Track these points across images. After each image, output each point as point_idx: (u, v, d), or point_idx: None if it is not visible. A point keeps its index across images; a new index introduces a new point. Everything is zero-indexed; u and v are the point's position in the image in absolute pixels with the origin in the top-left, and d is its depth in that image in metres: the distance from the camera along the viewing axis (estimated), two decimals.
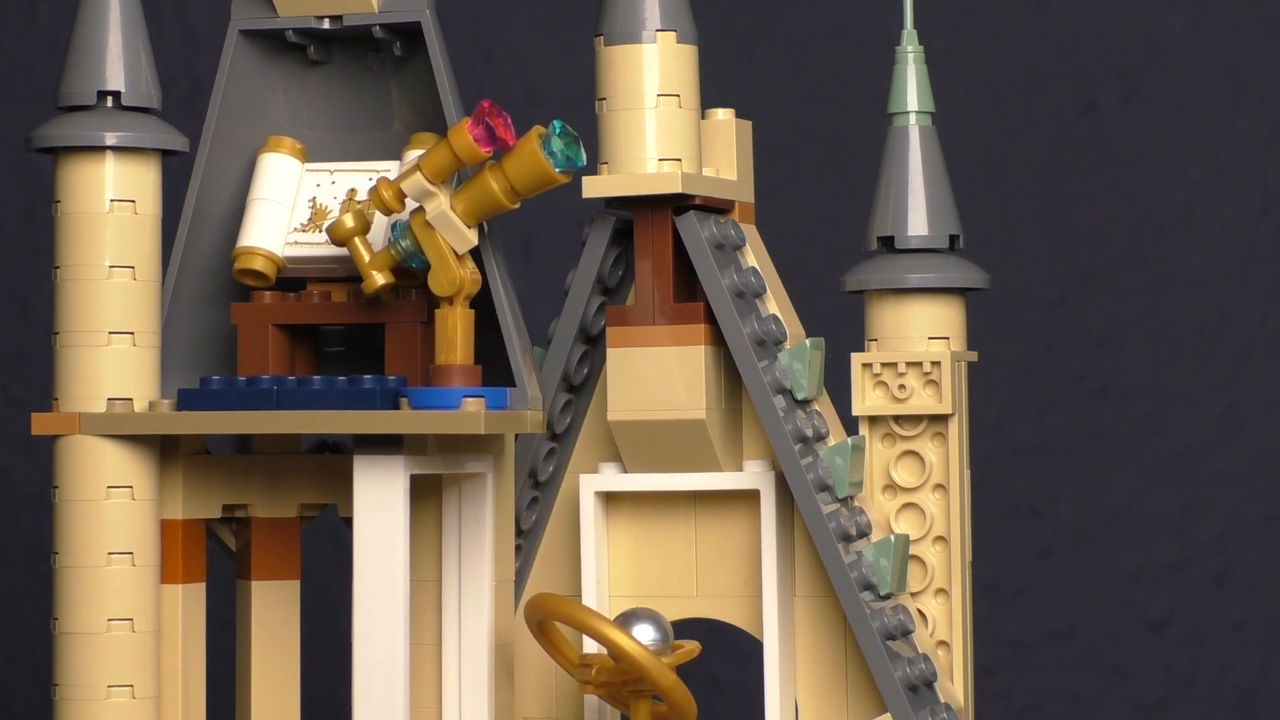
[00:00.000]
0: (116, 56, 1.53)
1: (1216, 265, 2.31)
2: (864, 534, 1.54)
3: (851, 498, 1.54)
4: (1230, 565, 2.30)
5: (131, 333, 1.52)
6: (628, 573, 1.59)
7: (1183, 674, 2.30)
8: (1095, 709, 2.31)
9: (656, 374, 1.54)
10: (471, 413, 1.45)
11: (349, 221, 1.51)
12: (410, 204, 1.49)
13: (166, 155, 1.54)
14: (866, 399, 1.58)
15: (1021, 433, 2.29)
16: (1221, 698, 2.30)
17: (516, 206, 1.49)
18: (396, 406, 1.46)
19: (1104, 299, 2.32)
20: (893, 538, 1.54)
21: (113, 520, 1.50)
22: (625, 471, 1.58)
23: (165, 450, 1.53)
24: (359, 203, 1.52)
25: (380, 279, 1.51)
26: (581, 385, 1.60)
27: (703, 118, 1.57)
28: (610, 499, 1.59)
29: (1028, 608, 2.28)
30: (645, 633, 1.49)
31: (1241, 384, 2.30)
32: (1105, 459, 2.31)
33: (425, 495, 1.52)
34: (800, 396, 1.54)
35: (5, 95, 2.45)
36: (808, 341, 1.55)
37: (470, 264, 1.49)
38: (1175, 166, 2.32)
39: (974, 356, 1.60)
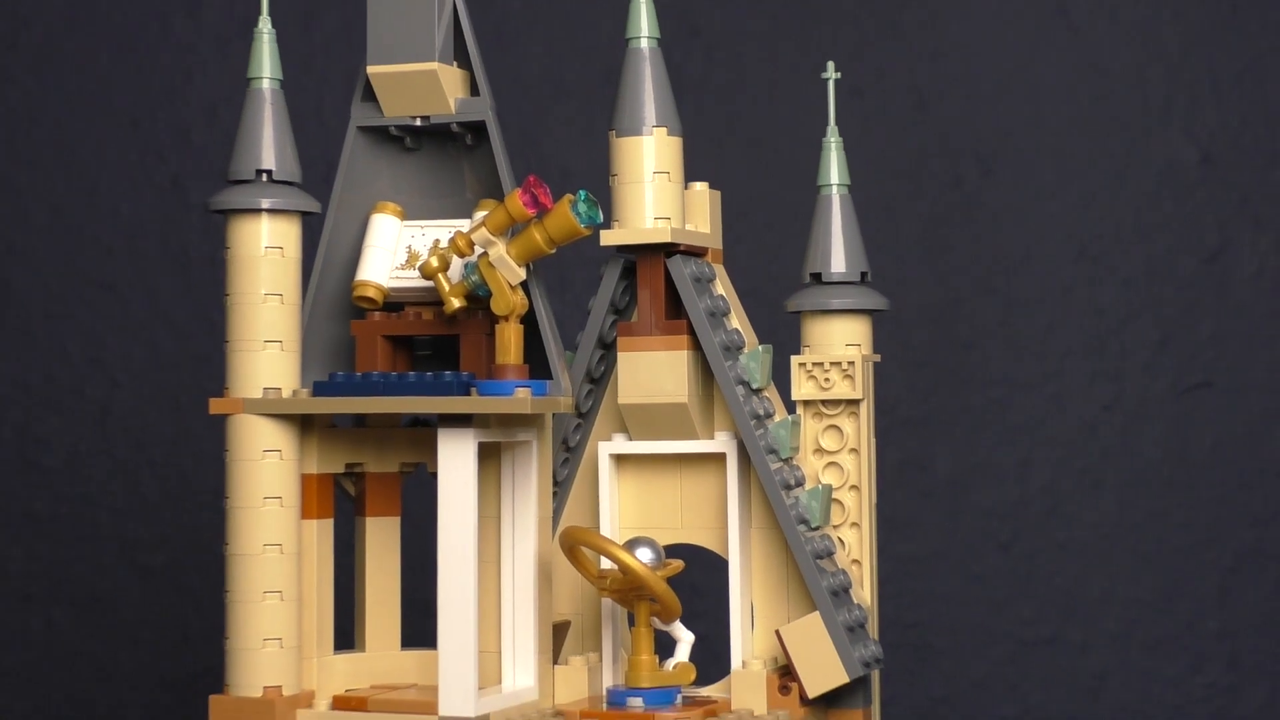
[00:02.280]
0: (270, 145, 1.52)
1: (1047, 293, 2.30)
2: (800, 484, 1.53)
3: (791, 458, 1.54)
4: (1056, 503, 2.29)
5: (280, 341, 1.51)
6: (632, 511, 1.59)
7: (1022, 580, 2.30)
8: (961, 605, 2.31)
9: (652, 370, 1.53)
10: (521, 398, 1.45)
11: (434, 262, 1.50)
12: (478, 249, 1.49)
13: (305, 215, 1.53)
14: (801, 388, 1.57)
15: (910, 411, 2.28)
16: (1050, 598, 2.29)
17: (553, 252, 1.49)
18: (468, 393, 1.45)
19: (969, 316, 2.31)
20: (820, 486, 1.53)
21: (267, 474, 1.50)
22: (631, 439, 1.57)
23: (304, 424, 1.53)
24: (441, 249, 1.51)
25: (457, 303, 1.51)
26: (600, 378, 1.59)
27: (685, 188, 1.56)
28: (620, 459, 1.58)
29: (915, 535, 2.28)
30: (644, 554, 1.48)
31: (1064, 377, 2.29)
32: (969, 428, 2.31)
33: (488, 456, 1.51)
34: (755, 386, 1.53)
35: (192, 174, 2.44)
36: (760, 347, 1.54)
37: (520, 293, 1.48)
38: (1018, 223, 2.32)
39: (878, 358, 1.60)
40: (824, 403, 1.57)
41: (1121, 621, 2.29)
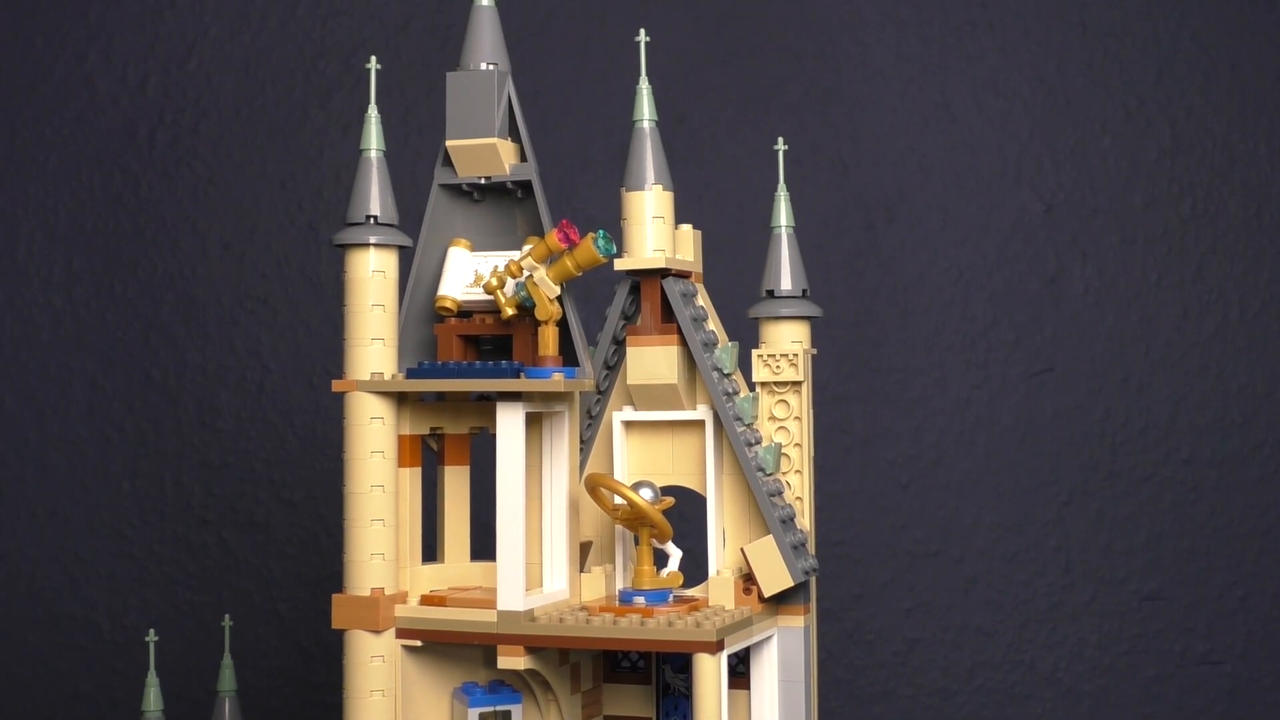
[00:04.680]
0: (375, 197, 1.50)
1: (933, 305, 2.29)
2: (758, 442, 1.50)
3: (751, 424, 1.51)
4: (940, 455, 2.28)
5: (383, 339, 1.48)
6: (637, 462, 1.55)
7: (916, 511, 2.28)
8: (873, 530, 2.30)
9: (652, 360, 1.50)
10: (557, 380, 1.42)
11: (494, 282, 1.48)
12: (525, 273, 1.46)
13: (401, 248, 1.51)
14: (759, 373, 1.54)
15: (837, 390, 2.27)
16: (936, 524, 2.29)
17: (580, 275, 1.46)
18: (519, 376, 1.43)
19: (878, 322, 2.30)
20: (773, 444, 1.50)
21: (373, 435, 1.47)
22: (636, 410, 1.54)
23: (400, 399, 1.50)
24: (499, 272, 1.49)
25: (511, 311, 1.48)
26: (614, 366, 1.55)
27: (675, 229, 1.53)
28: (629, 424, 1.55)
29: (839, 477, 2.26)
30: (646, 492, 1.46)
31: (946, 365, 2.28)
32: (878, 403, 2.30)
33: (533, 423, 1.48)
34: (725, 372, 1.50)
35: (323, 220, 2.43)
36: (729, 344, 1.52)
37: (557, 304, 1.46)
38: (913, 255, 2.31)
39: (814, 351, 1.57)
40: (776, 384, 1.54)
41: (988, 540, 2.29)
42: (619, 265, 1.51)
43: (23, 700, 2.49)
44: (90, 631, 2.47)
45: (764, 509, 1.47)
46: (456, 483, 1.56)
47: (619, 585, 1.54)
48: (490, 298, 1.49)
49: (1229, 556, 2.26)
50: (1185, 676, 2.25)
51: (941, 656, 2.28)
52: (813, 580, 1.53)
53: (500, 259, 1.52)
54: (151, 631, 1.76)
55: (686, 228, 1.55)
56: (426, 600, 1.48)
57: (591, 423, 1.57)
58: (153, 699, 1.74)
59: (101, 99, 2.53)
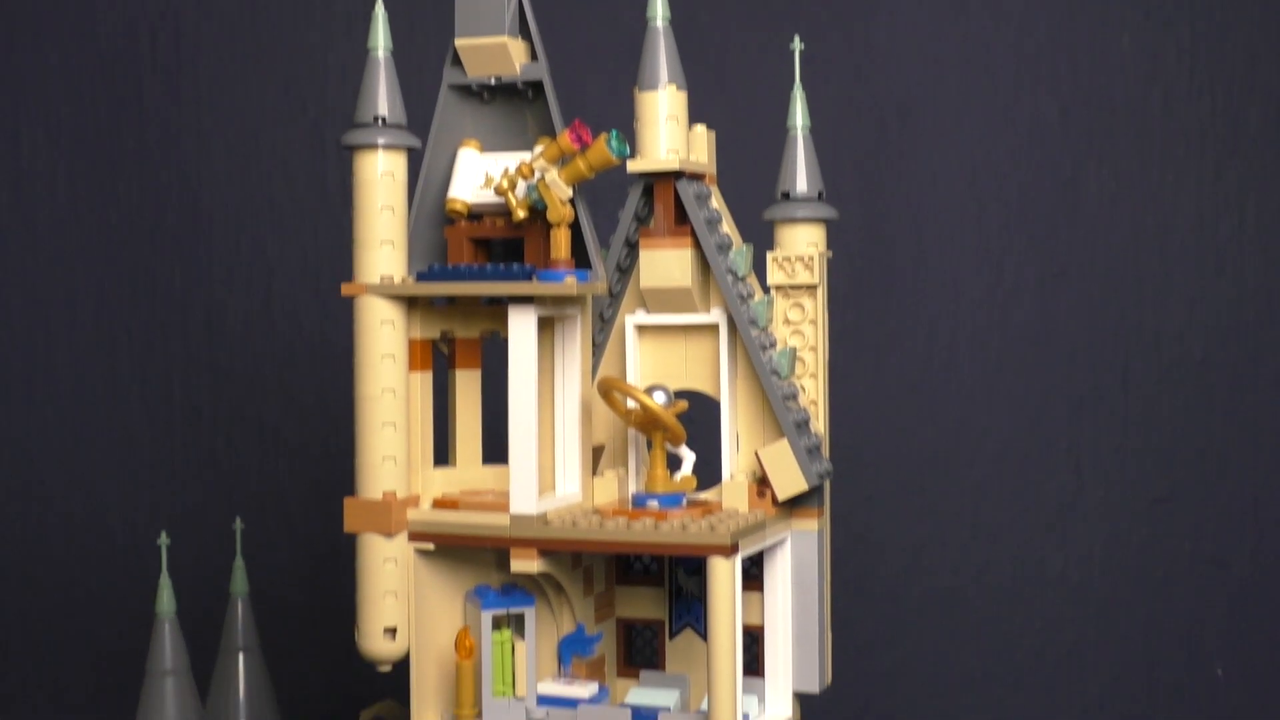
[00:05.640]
0: (383, 97, 1.48)
1: (947, 207, 2.28)
2: (773, 345, 1.49)
3: (766, 327, 1.49)
4: (951, 358, 2.26)
5: (392, 241, 1.47)
6: (650, 366, 1.54)
7: (926, 414, 2.29)
8: (884, 432, 2.30)
9: (665, 263, 1.49)
10: (569, 284, 1.41)
11: (505, 184, 1.46)
12: (537, 174, 1.44)
13: (410, 150, 1.49)
14: (774, 276, 1.52)
15: (850, 292, 2.26)
16: (947, 426, 2.28)
17: (592, 176, 1.44)
18: (530, 279, 1.41)
19: (892, 224, 2.29)
20: (788, 348, 1.49)
21: (384, 338, 1.46)
22: (649, 313, 1.52)
23: (410, 303, 1.48)
24: (510, 174, 1.47)
25: (522, 214, 1.46)
26: (626, 269, 1.54)
27: (689, 130, 1.51)
28: (641, 328, 1.53)
29: (852, 383, 2.25)
30: (659, 396, 1.45)
31: (959, 268, 2.27)
32: (891, 306, 2.29)
33: (545, 326, 1.47)
34: (740, 275, 1.49)
35: (329, 121, 2.41)
36: (744, 246, 1.50)
37: (569, 206, 1.44)
38: (927, 158, 2.29)
39: (829, 254, 1.55)
40: (790, 287, 1.52)
41: (999, 443, 2.28)
42: (632, 167, 1.49)
43: (36, 603, 2.50)
44: (102, 535, 2.48)
45: (779, 413, 1.46)
46: (468, 387, 1.55)
47: (632, 489, 1.53)
48: (501, 200, 1.48)
49: (1240, 459, 2.25)
50: (1194, 578, 2.25)
51: (951, 558, 2.28)
52: (826, 484, 1.52)
53: (511, 160, 1.50)
54: (163, 534, 1.76)
55: (700, 128, 1.53)
56: (439, 504, 1.47)
57: (604, 326, 1.55)
58: (165, 600, 1.74)
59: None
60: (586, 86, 2.26)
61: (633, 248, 1.53)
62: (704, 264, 1.50)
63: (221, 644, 1.79)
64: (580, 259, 1.48)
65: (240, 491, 2.42)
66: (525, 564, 1.43)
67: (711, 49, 2.32)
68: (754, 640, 1.51)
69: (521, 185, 1.47)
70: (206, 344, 2.45)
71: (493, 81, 1.50)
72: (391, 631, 1.47)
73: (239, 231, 2.45)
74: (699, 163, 1.51)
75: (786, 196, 1.54)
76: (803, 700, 1.51)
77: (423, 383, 1.50)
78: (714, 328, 1.51)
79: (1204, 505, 2.25)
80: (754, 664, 1.50)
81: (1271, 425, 2.25)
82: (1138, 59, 2.28)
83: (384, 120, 1.47)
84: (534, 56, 1.50)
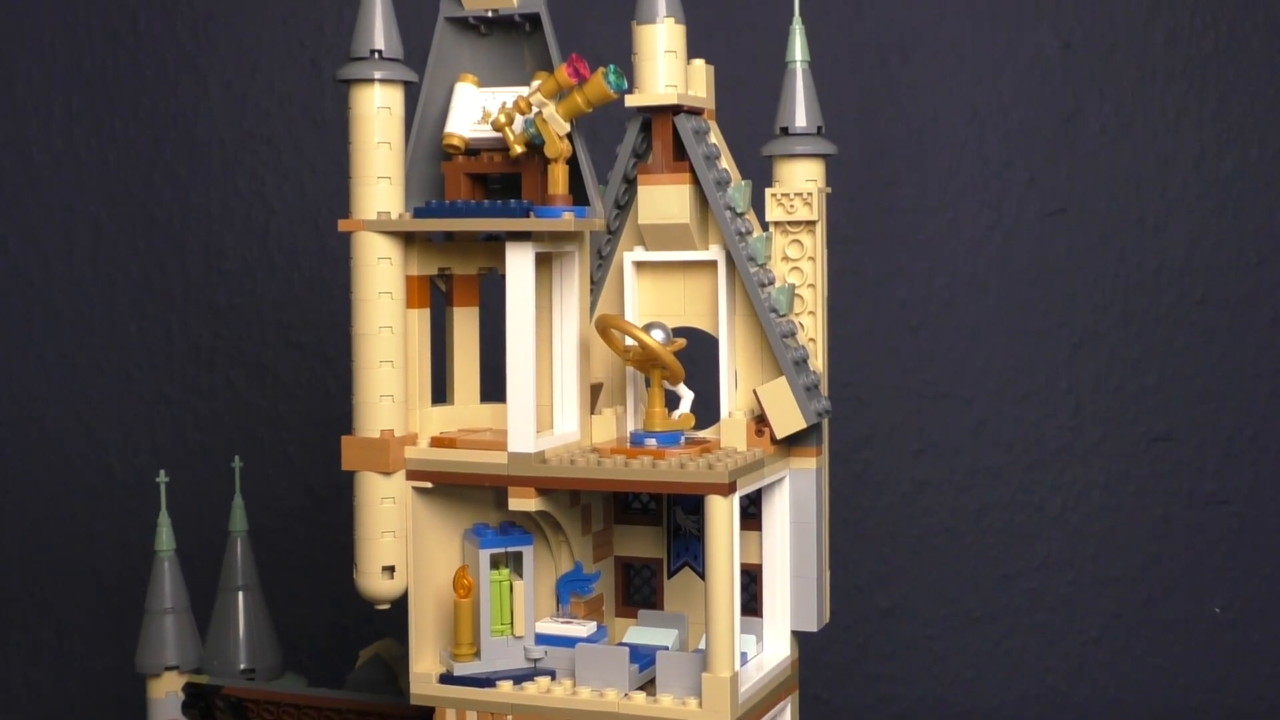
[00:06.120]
0: (380, 31, 1.45)
1: (947, 144, 2.26)
2: (771, 283, 1.48)
3: (765, 264, 1.48)
4: (952, 297, 2.26)
5: (389, 177, 1.45)
6: (648, 303, 1.53)
7: (927, 354, 2.28)
8: (883, 371, 2.29)
9: (664, 199, 1.47)
10: (567, 220, 1.39)
11: (503, 118, 1.44)
12: (535, 109, 1.42)
13: (406, 84, 1.47)
14: (773, 212, 1.51)
15: (849, 230, 2.24)
16: (946, 366, 2.27)
17: (590, 111, 1.42)
18: (528, 215, 1.39)
19: (891, 161, 2.28)
20: (786, 285, 1.48)
21: (381, 275, 1.44)
22: (648, 250, 1.51)
23: (408, 239, 1.47)
24: (508, 108, 1.45)
25: (519, 149, 1.44)
26: (625, 205, 1.52)
27: (688, 64, 1.49)
28: (640, 265, 1.52)
29: (852, 321, 2.25)
30: (657, 334, 1.44)
31: (959, 206, 2.26)
32: (890, 243, 2.28)
33: (543, 263, 1.46)
34: (739, 211, 1.47)
35: (326, 56, 2.39)
36: (743, 182, 1.48)
37: (566, 141, 1.42)
38: (927, 94, 2.27)
39: (828, 190, 1.54)
40: (789, 223, 1.51)
41: (998, 382, 2.28)
42: (630, 101, 1.47)
43: (37, 540, 2.51)
44: (102, 473, 2.48)
45: (777, 351, 1.45)
46: (465, 324, 1.54)
47: (630, 427, 1.52)
48: (498, 135, 1.46)
49: (1240, 398, 2.25)
50: (1192, 516, 2.25)
51: (950, 498, 2.28)
52: (824, 422, 1.52)
53: (508, 95, 1.48)
54: (162, 472, 1.76)
55: (699, 63, 1.51)
56: (436, 442, 1.46)
57: (602, 263, 1.54)
58: (165, 538, 1.74)
59: None
60: (584, 20, 2.24)
61: (631, 184, 1.52)
62: (703, 200, 1.48)
63: (221, 582, 1.79)
64: (578, 195, 1.46)
65: (239, 430, 2.42)
66: (523, 502, 1.42)
67: None
68: (752, 579, 1.51)
69: (519, 120, 1.45)
70: (204, 281, 2.44)
71: (490, 14, 1.48)
72: (390, 570, 1.46)
73: (237, 168, 2.44)
74: (698, 97, 1.49)
75: (785, 132, 1.52)
76: (801, 639, 1.52)
77: (420, 320, 1.49)
78: (712, 264, 1.50)
79: (1203, 444, 2.25)
80: (752, 603, 1.50)
81: (1271, 365, 2.25)
82: None
83: (380, 54, 1.45)
84: None
